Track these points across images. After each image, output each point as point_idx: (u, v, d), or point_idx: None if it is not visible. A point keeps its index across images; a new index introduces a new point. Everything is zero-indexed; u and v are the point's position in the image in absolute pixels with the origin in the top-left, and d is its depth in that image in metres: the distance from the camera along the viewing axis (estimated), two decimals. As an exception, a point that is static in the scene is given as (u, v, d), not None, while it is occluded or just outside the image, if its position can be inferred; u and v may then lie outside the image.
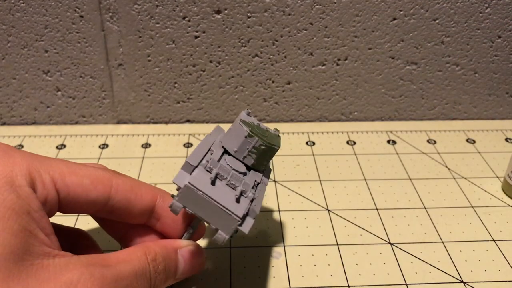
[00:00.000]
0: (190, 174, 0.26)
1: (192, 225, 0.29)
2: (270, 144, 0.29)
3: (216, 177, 0.26)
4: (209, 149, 0.28)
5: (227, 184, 0.26)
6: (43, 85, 0.47)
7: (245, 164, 0.29)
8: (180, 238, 0.29)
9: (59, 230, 0.25)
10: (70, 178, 0.25)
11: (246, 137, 0.28)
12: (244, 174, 0.28)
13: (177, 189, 0.26)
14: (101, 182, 0.26)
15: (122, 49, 0.45)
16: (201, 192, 0.25)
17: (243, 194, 0.26)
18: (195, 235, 0.30)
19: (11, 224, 0.21)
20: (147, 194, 0.28)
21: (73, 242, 0.28)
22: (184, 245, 0.28)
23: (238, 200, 0.26)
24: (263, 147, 0.28)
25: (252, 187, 0.27)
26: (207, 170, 0.26)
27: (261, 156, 0.29)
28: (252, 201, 0.27)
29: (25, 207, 0.22)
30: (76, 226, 0.35)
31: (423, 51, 0.46)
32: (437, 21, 0.45)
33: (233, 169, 0.28)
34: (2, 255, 0.20)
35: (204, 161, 0.26)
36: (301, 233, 0.35)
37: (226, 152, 0.29)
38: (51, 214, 0.24)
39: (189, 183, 0.25)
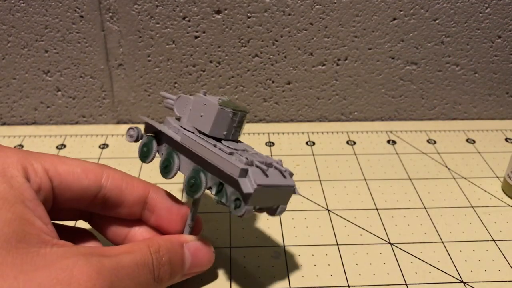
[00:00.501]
0: (246, 177, 0.26)
1: (191, 217, 0.29)
2: (245, 111, 0.30)
3: (263, 165, 0.27)
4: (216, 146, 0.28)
5: (267, 167, 0.27)
6: (43, 85, 0.47)
7: (233, 141, 0.30)
8: (179, 232, 0.29)
9: (60, 228, 0.25)
10: (61, 166, 0.26)
11: (231, 117, 0.29)
12: (244, 150, 0.29)
13: (242, 197, 0.26)
14: (92, 171, 0.27)
15: (122, 49, 0.45)
16: (268, 187, 0.26)
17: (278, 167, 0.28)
18: (195, 228, 0.30)
19: (3, 213, 0.21)
20: (139, 185, 0.29)
21: (73, 238, 0.28)
22: (190, 240, 0.28)
23: (284, 175, 0.28)
24: (243, 117, 0.30)
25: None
26: (249, 165, 0.27)
27: (241, 126, 0.30)
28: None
29: (19, 197, 0.22)
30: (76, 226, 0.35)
31: (423, 51, 0.46)
32: (437, 21, 0.45)
33: (245, 150, 0.28)
34: None
35: (243, 159, 0.27)
36: (301, 233, 0.35)
37: (215, 139, 0.29)
38: (46, 204, 0.25)
39: (259, 184, 0.25)
